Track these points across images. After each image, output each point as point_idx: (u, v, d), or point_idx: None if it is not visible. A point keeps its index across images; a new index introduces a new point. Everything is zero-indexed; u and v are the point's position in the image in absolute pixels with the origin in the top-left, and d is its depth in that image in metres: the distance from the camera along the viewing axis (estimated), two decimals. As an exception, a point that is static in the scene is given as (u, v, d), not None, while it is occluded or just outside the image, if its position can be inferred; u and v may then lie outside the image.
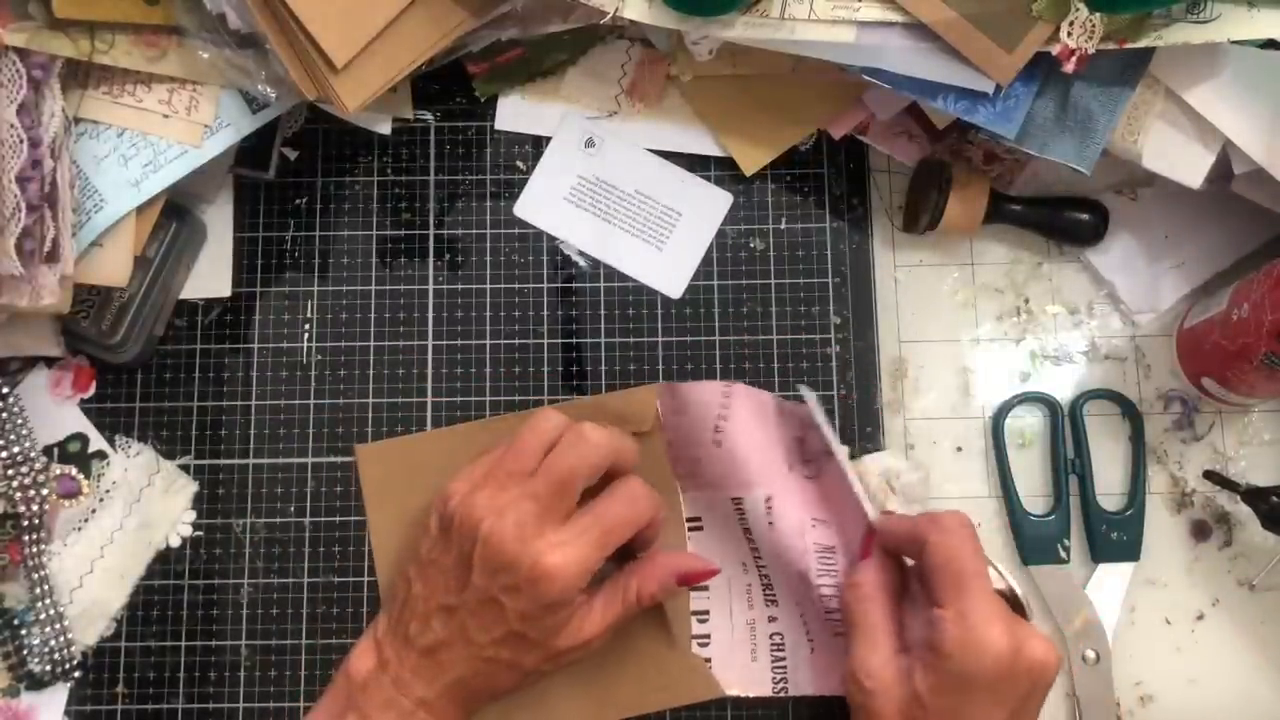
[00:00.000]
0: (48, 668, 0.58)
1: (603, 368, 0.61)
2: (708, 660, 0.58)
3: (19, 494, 0.57)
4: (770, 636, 0.58)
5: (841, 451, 0.56)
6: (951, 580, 0.48)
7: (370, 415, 0.61)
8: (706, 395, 0.58)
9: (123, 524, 0.60)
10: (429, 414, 0.61)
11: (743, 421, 0.58)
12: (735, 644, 0.58)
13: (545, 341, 0.62)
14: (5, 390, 0.58)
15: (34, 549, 0.58)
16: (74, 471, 0.60)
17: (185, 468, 0.61)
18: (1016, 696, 0.48)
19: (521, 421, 0.55)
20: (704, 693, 0.58)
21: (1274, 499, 0.55)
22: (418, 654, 0.53)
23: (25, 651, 0.58)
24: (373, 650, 0.54)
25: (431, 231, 0.63)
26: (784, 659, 0.58)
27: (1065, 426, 0.61)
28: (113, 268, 0.57)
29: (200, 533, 0.60)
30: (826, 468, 0.58)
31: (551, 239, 0.63)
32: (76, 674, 0.59)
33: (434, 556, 0.54)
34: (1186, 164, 0.55)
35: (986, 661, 0.47)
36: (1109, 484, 0.60)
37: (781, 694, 0.57)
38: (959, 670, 0.47)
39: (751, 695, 0.58)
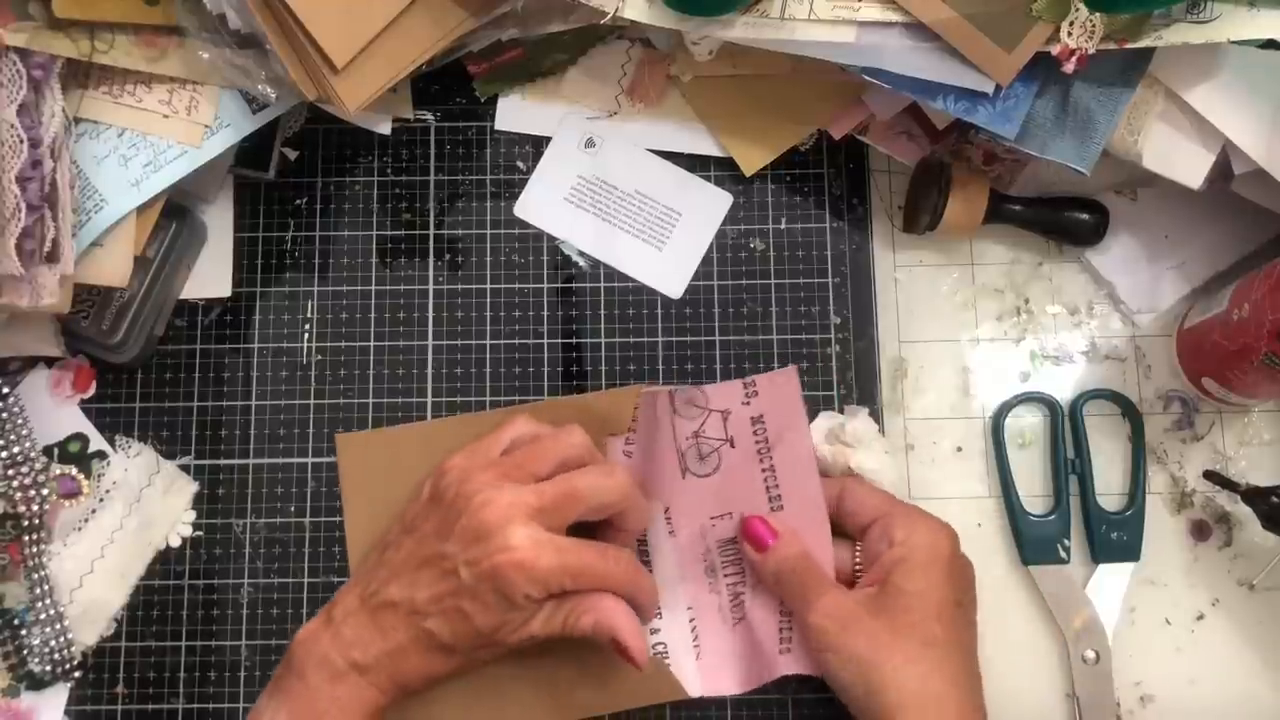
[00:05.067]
0: (48, 668, 0.58)
1: (603, 368, 0.61)
2: None
3: (19, 494, 0.57)
4: (654, 648, 0.58)
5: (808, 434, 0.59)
6: (880, 499, 0.55)
7: (370, 415, 0.61)
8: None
9: (123, 524, 0.60)
10: (429, 414, 0.61)
11: (642, 430, 0.59)
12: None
13: (545, 341, 0.62)
14: (5, 390, 0.58)
15: (34, 549, 0.58)
16: (74, 471, 0.60)
17: (185, 468, 0.61)
18: (962, 575, 0.54)
19: (504, 416, 0.58)
20: (667, 694, 0.57)
21: (1274, 499, 0.55)
22: (367, 613, 0.53)
23: (25, 651, 0.58)
24: (325, 611, 0.54)
25: (431, 231, 0.63)
26: (669, 667, 0.58)
27: (1065, 426, 0.61)
28: (113, 268, 0.57)
29: (200, 533, 0.61)
30: (726, 458, 0.58)
31: (551, 239, 0.63)
32: (76, 674, 0.58)
33: (417, 523, 0.54)
34: (1186, 164, 0.55)
35: (939, 537, 0.54)
36: (1109, 484, 0.60)
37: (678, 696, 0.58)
38: (924, 544, 0.53)
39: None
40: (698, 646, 0.58)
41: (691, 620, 0.58)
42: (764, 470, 0.58)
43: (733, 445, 0.58)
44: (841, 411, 0.60)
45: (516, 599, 0.51)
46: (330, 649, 0.52)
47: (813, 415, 0.59)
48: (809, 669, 0.56)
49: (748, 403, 0.59)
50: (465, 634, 0.52)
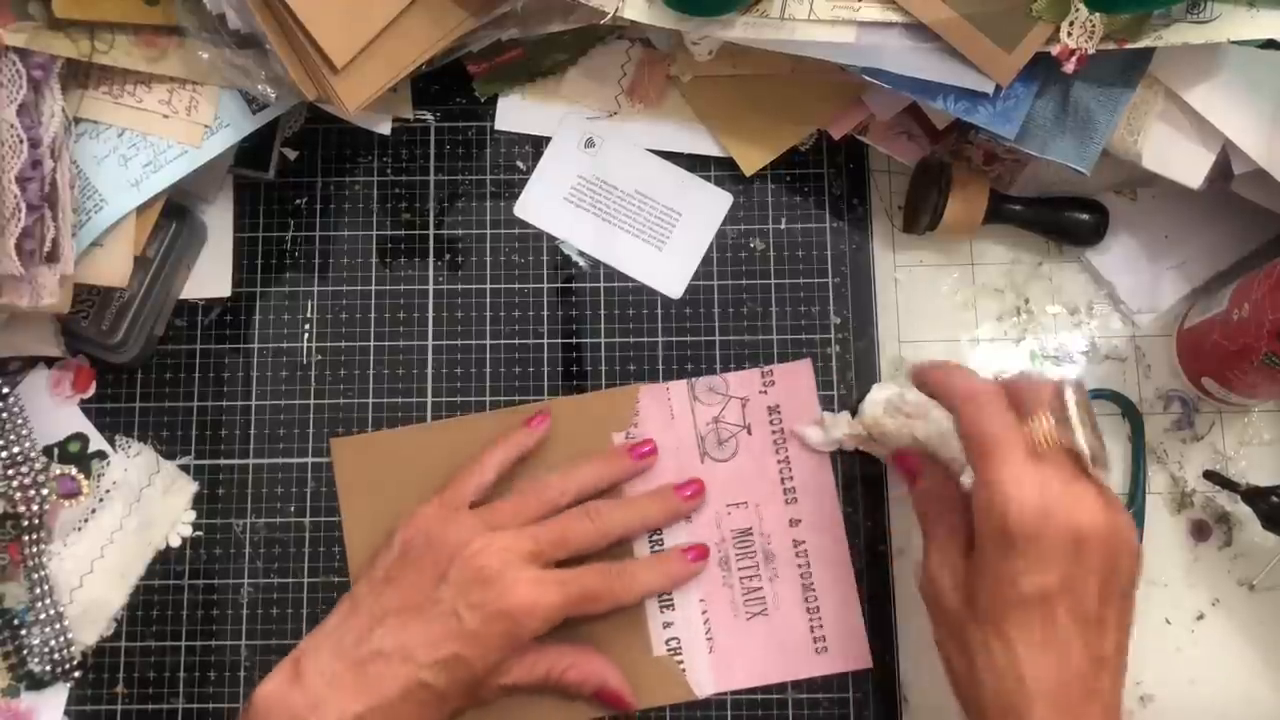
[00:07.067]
0: (48, 668, 0.58)
1: (603, 368, 0.61)
2: None
3: (19, 494, 0.57)
4: (666, 643, 0.58)
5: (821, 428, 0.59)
6: (979, 450, 0.46)
7: (370, 415, 0.61)
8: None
9: (123, 524, 0.60)
10: (429, 414, 0.61)
11: (652, 423, 0.60)
12: None
13: (545, 341, 0.62)
14: (5, 390, 0.58)
15: (34, 549, 0.58)
16: (74, 471, 0.60)
17: (185, 468, 0.61)
18: (1063, 560, 0.44)
19: (499, 418, 0.59)
20: (676, 696, 0.58)
21: (1274, 499, 0.55)
22: (348, 665, 0.51)
23: (25, 651, 0.58)
24: (288, 666, 0.52)
25: (431, 231, 0.63)
26: (681, 663, 0.58)
27: (1065, 426, 0.61)
28: (113, 268, 0.57)
29: (200, 533, 0.61)
30: (744, 445, 0.60)
31: (551, 239, 0.63)
32: (76, 674, 0.58)
33: (395, 574, 0.54)
34: (1186, 164, 0.55)
35: (1012, 521, 0.43)
36: (1109, 484, 0.60)
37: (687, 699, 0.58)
38: (991, 534, 0.44)
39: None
40: (710, 640, 0.58)
41: (704, 613, 0.59)
42: (779, 461, 0.60)
43: (750, 433, 0.60)
44: (833, 411, 0.60)
45: (524, 638, 0.52)
46: (303, 709, 0.50)
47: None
48: (846, 666, 0.58)
49: (765, 391, 0.60)
50: (460, 681, 0.52)
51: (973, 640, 0.46)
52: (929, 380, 0.50)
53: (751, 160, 0.62)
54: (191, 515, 0.61)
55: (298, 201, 0.63)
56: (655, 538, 0.60)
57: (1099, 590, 0.44)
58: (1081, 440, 0.46)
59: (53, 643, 0.58)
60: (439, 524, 0.54)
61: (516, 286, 0.63)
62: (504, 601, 0.51)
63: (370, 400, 0.61)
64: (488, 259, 0.63)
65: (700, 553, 0.58)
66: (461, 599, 0.51)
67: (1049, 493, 0.44)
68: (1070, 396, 0.46)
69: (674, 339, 0.62)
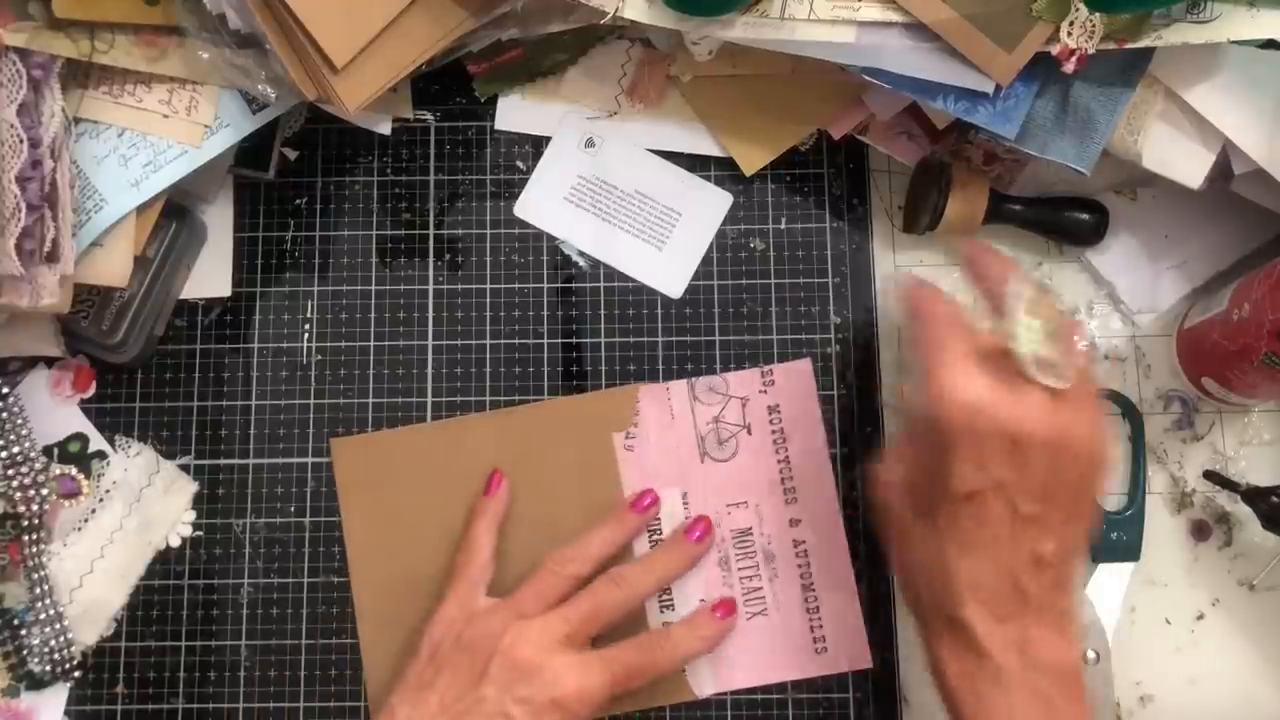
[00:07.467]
0: (48, 668, 0.58)
1: (603, 368, 0.61)
2: None
3: (19, 494, 0.57)
4: None
5: None
6: (924, 356, 0.45)
7: (370, 415, 0.61)
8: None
9: (123, 524, 0.60)
10: (429, 414, 0.61)
11: (651, 423, 0.60)
12: None
13: (545, 341, 0.62)
14: (5, 390, 0.58)
15: (34, 549, 0.58)
16: (74, 471, 0.60)
17: (185, 468, 0.61)
18: (996, 459, 0.43)
19: (499, 419, 0.59)
20: (676, 696, 0.58)
21: (1274, 499, 0.55)
22: None
23: (25, 651, 0.58)
24: None
25: (431, 231, 0.63)
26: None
27: (1065, 426, 0.61)
28: (113, 268, 0.57)
29: (200, 533, 0.61)
30: (744, 445, 0.60)
31: (551, 239, 0.63)
32: (76, 674, 0.58)
33: (427, 680, 0.52)
34: (1186, 164, 0.55)
35: (945, 418, 0.43)
36: (1109, 484, 0.60)
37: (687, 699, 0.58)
38: (928, 432, 0.44)
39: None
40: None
41: None
42: (779, 461, 0.60)
43: (750, 432, 0.60)
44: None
45: None
46: None
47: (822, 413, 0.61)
48: (846, 666, 0.58)
49: (764, 391, 0.60)
50: None
51: (912, 536, 0.46)
52: (968, 266, 0.48)
53: (751, 160, 0.62)
54: (191, 515, 0.61)
55: (298, 201, 0.63)
56: (656, 536, 0.60)
57: (1039, 491, 0.44)
58: (1022, 342, 0.44)
59: (53, 643, 0.58)
60: (465, 621, 0.53)
61: (516, 286, 0.63)
62: (552, 691, 0.50)
63: (370, 400, 0.61)
64: (488, 259, 0.63)
65: (729, 609, 0.57)
66: (508, 695, 0.50)
67: (985, 392, 0.43)
68: (1014, 291, 0.45)
69: (674, 339, 0.62)
